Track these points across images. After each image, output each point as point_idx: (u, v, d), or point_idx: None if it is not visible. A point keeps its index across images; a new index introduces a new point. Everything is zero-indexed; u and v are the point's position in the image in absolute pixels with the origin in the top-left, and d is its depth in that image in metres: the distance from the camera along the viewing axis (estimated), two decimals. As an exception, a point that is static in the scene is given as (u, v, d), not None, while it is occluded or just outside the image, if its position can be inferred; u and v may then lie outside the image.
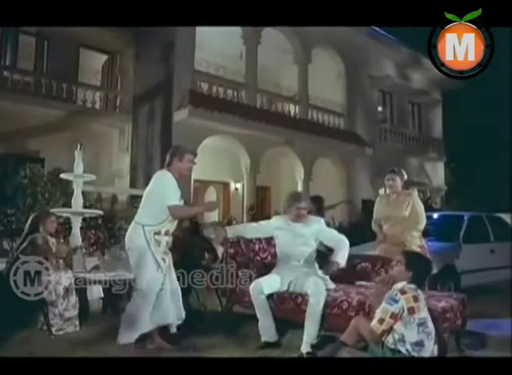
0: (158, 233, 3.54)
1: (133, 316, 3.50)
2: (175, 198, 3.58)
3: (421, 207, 4.40)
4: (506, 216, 8.34)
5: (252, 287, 3.73)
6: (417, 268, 2.91)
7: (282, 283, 3.76)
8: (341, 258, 3.70)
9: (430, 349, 2.74)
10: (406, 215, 4.32)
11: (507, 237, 7.09)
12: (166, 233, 3.60)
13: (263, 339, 3.65)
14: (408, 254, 3.13)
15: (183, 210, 3.72)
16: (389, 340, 2.74)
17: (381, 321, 2.72)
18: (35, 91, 11.11)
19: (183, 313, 3.74)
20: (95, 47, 12.67)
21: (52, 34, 11.17)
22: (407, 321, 2.70)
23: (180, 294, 3.75)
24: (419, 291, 2.83)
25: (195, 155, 3.83)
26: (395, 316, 2.71)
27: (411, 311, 2.70)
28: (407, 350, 2.70)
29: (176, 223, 3.71)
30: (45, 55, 11.88)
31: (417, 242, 4.29)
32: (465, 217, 6.94)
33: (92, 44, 12.43)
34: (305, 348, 3.40)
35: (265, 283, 3.72)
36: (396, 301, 2.70)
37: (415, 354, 2.69)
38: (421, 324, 2.72)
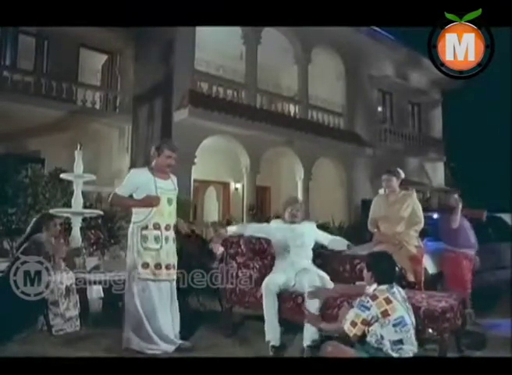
0: (145, 227, 3.54)
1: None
2: (126, 190, 3.63)
3: (419, 208, 4.41)
4: (506, 216, 8.33)
5: (266, 285, 3.73)
6: (376, 266, 2.91)
7: (288, 282, 3.79)
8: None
9: (410, 347, 2.73)
10: (405, 215, 4.32)
11: (507, 237, 7.08)
12: (155, 227, 3.56)
13: (267, 339, 3.61)
14: (367, 257, 3.14)
15: (119, 199, 3.69)
16: (372, 339, 2.75)
17: (353, 324, 2.76)
18: (35, 91, 11.11)
19: (175, 342, 3.53)
20: (95, 47, 12.67)
21: (52, 34, 11.18)
22: (382, 323, 2.71)
23: (175, 321, 3.61)
24: (394, 289, 2.81)
25: (174, 150, 3.76)
26: (366, 323, 2.73)
27: (385, 314, 2.70)
28: (387, 349, 2.70)
29: (167, 215, 3.64)
30: (45, 55, 11.88)
31: (414, 242, 4.30)
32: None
33: (92, 44, 12.43)
34: (306, 342, 3.44)
35: (277, 282, 3.74)
36: (368, 308, 2.72)
37: (394, 353, 2.69)
38: (398, 324, 2.70)
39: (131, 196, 3.68)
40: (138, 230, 3.55)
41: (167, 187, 3.70)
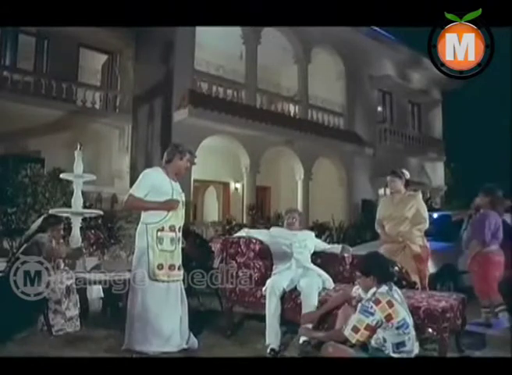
0: (161, 229, 3.52)
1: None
2: (142, 191, 3.52)
3: (424, 209, 4.43)
4: (506, 216, 8.31)
5: (270, 287, 3.72)
6: (374, 268, 2.88)
7: (292, 283, 3.79)
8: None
9: (410, 348, 2.72)
10: (409, 215, 4.34)
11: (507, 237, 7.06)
12: (171, 229, 3.55)
13: (268, 342, 3.57)
14: (361, 261, 3.09)
15: (135, 202, 3.57)
16: (372, 341, 2.74)
17: (355, 330, 2.70)
18: (35, 91, 11.11)
19: (184, 342, 3.52)
20: (95, 47, 12.69)
21: (52, 34, 11.19)
22: (385, 326, 2.68)
23: (186, 322, 3.59)
24: (392, 291, 2.79)
25: (192, 154, 3.88)
26: (371, 328, 2.68)
27: (389, 318, 2.66)
28: (389, 352, 2.70)
29: (181, 217, 3.66)
30: (45, 55, 11.90)
31: (419, 242, 4.31)
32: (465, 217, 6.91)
33: (92, 44, 12.44)
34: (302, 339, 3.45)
35: (282, 284, 3.73)
36: (372, 314, 2.67)
37: (395, 355, 2.68)
38: (400, 327, 2.68)
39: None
40: (153, 231, 3.50)
41: (179, 189, 3.72)
